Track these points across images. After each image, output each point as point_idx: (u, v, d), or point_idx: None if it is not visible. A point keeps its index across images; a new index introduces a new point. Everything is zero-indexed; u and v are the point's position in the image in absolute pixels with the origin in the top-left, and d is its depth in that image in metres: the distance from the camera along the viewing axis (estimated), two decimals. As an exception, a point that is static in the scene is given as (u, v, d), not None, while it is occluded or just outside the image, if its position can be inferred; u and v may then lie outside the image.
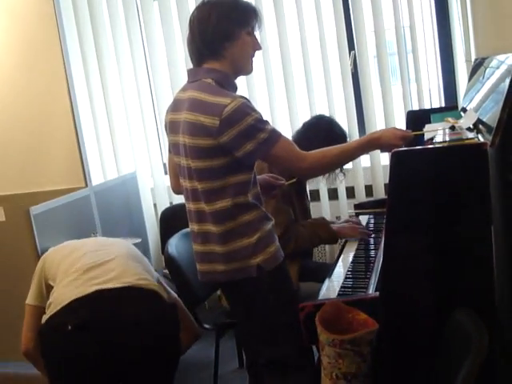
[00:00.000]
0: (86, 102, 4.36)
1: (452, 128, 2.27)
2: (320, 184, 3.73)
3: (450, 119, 2.41)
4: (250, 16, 2.23)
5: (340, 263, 2.66)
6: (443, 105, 3.91)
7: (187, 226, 2.39)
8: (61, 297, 2.47)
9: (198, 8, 2.24)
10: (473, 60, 3.15)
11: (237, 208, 2.20)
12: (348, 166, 3.15)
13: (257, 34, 2.30)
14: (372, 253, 2.78)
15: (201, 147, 2.15)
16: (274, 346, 2.29)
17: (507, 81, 1.82)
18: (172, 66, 4.24)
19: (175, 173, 2.44)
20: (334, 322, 1.99)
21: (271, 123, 2.14)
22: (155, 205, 4.48)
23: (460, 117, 2.54)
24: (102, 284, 2.47)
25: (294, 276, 2.95)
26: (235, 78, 2.30)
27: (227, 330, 3.20)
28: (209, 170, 2.17)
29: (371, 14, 3.83)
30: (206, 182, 2.19)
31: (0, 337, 3.55)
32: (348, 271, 2.53)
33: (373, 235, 2.99)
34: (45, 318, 2.49)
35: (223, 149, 2.13)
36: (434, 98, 3.99)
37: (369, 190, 4.02)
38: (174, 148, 2.34)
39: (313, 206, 3.49)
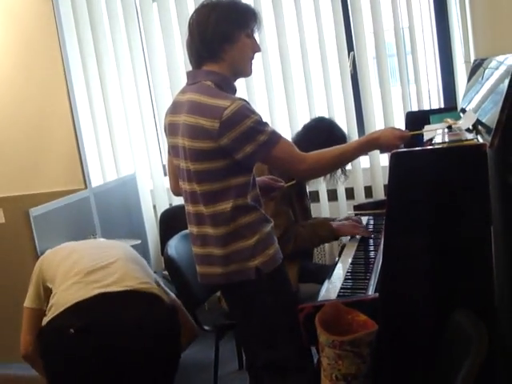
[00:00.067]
0: (86, 104, 4.36)
1: (449, 127, 2.27)
2: (319, 185, 3.73)
3: (449, 120, 2.41)
4: (249, 18, 2.23)
5: (339, 264, 2.66)
6: (442, 106, 3.91)
7: (187, 228, 2.39)
8: (62, 300, 2.47)
9: (198, 10, 2.24)
10: (472, 61, 3.16)
11: (236, 210, 2.20)
12: (347, 166, 3.14)
13: (256, 35, 2.30)
14: (371, 254, 2.78)
15: (200, 150, 2.15)
16: (272, 348, 2.29)
17: (506, 82, 1.82)
18: (171, 67, 4.24)
19: (175, 175, 2.44)
20: (334, 323, 1.99)
21: (271, 125, 2.14)
22: (155, 206, 4.48)
23: (459, 118, 2.54)
24: (104, 287, 2.48)
25: (294, 277, 2.95)
26: (235, 80, 2.30)
27: (227, 332, 3.20)
28: (208, 173, 2.17)
29: (370, 16, 3.83)
30: (205, 184, 2.19)
31: (0, 338, 3.55)
32: (347, 272, 2.53)
33: (372, 236, 2.99)
34: (46, 320, 2.49)
35: (223, 151, 2.13)
36: (433, 99, 4.00)
37: (368, 191, 4.02)
38: (173, 150, 2.34)
39: (312, 207, 3.49)
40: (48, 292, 2.64)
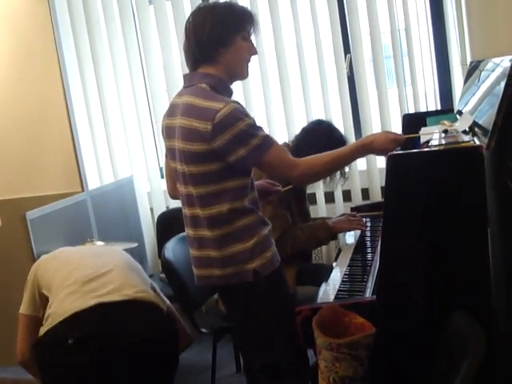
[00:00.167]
0: (82, 107, 4.35)
1: (445, 131, 2.27)
2: (317, 187, 3.73)
3: (445, 122, 2.41)
4: (245, 21, 2.23)
5: (337, 267, 2.66)
6: (439, 108, 3.91)
7: (184, 230, 2.39)
8: (60, 310, 2.46)
9: (194, 13, 2.25)
10: (468, 63, 3.16)
11: (233, 213, 2.20)
12: (346, 169, 3.13)
13: (253, 38, 2.30)
14: (369, 256, 2.77)
15: (195, 152, 2.15)
16: (269, 351, 2.29)
17: (502, 84, 1.82)
18: (168, 70, 4.24)
19: (172, 177, 2.44)
20: (331, 326, 1.99)
21: (267, 127, 2.14)
22: (152, 209, 4.47)
23: (456, 120, 2.55)
24: (102, 297, 2.47)
25: (291, 280, 2.96)
26: (231, 82, 2.30)
27: (224, 334, 3.20)
28: (203, 175, 2.17)
29: (367, 18, 3.83)
30: (201, 187, 2.19)
31: (-2, 342, 3.55)
32: (345, 274, 2.53)
33: (369, 238, 2.99)
34: (43, 330, 2.48)
35: (216, 154, 2.12)
36: (430, 101, 4.00)
37: (365, 193, 4.02)
38: (170, 153, 2.34)
39: (309, 209, 3.48)
40: (44, 298, 2.63)
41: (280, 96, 4.09)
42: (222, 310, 2.78)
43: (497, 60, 2.16)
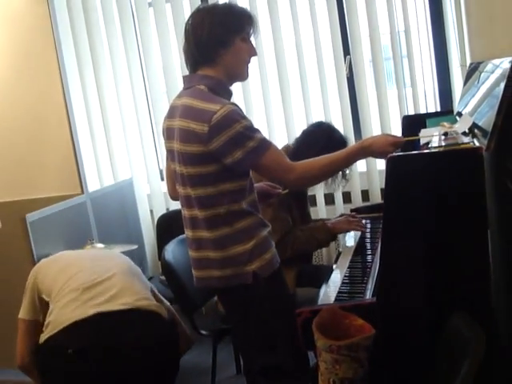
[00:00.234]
0: (82, 109, 4.35)
1: (445, 134, 2.27)
2: (317, 189, 3.72)
3: (445, 124, 2.41)
4: (244, 22, 2.22)
5: (337, 268, 2.66)
6: (439, 109, 3.91)
7: (184, 232, 2.39)
8: (60, 318, 2.46)
9: (193, 15, 2.25)
10: (468, 64, 3.16)
11: (231, 215, 2.20)
12: (347, 170, 3.12)
13: (252, 39, 2.30)
14: (369, 258, 2.77)
15: (192, 154, 2.15)
16: (269, 353, 2.29)
17: (502, 85, 1.82)
18: (168, 72, 4.24)
19: (172, 179, 2.44)
20: (331, 328, 1.99)
21: (267, 128, 2.14)
22: (152, 211, 4.47)
23: (455, 121, 2.55)
24: (102, 305, 2.46)
25: (291, 282, 2.95)
26: (230, 84, 2.30)
27: (224, 336, 3.20)
28: (200, 177, 2.17)
29: (366, 19, 3.83)
30: (199, 188, 2.19)
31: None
32: (345, 276, 2.53)
33: (369, 240, 2.99)
34: (43, 337, 2.48)
35: (213, 156, 2.12)
36: (430, 103, 3.99)
37: (365, 194, 4.02)
38: (170, 154, 2.34)
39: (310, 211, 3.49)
40: (43, 303, 2.63)
41: (279, 97, 4.09)
42: (222, 312, 2.78)
43: (496, 61, 2.16)
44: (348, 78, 3.99)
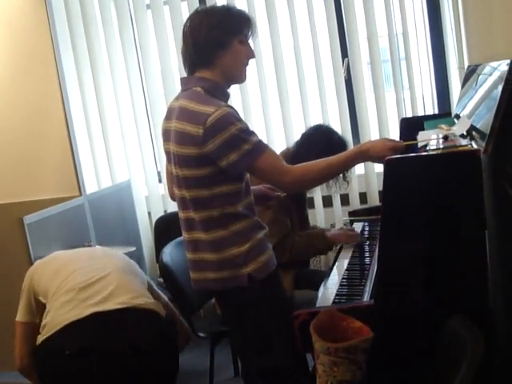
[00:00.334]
0: (80, 111, 4.35)
1: (445, 138, 2.26)
2: (316, 192, 3.72)
3: (443, 126, 2.41)
4: (242, 24, 2.22)
5: (335, 271, 2.66)
6: (436, 112, 3.91)
7: (181, 235, 2.39)
8: (56, 319, 2.45)
9: (191, 17, 2.25)
10: (466, 67, 3.16)
11: (226, 218, 2.19)
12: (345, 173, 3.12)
13: (250, 42, 2.29)
14: (367, 260, 2.77)
15: (187, 156, 2.15)
16: (266, 355, 2.28)
17: (500, 87, 1.82)
18: (166, 74, 4.24)
19: (171, 179, 2.44)
20: (329, 330, 1.99)
21: (265, 131, 2.13)
22: (149, 213, 4.47)
23: (453, 124, 2.55)
24: (98, 305, 2.45)
25: (289, 284, 2.96)
26: (228, 86, 2.30)
27: (222, 339, 3.19)
28: (195, 179, 2.17)
29: (364, 21, 3.84)
30: (194, 190, 2.19)
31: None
32: (343, 279, 2.52)
33: (367, 242, 2.99)
34: (40, 338, 2.47)
35: (208, 158, 2.12)
36: (428, 105, 4.00)
37: (363, 197, 4.02)
38: (167, 156, 2.34)
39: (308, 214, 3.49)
40: (40, 305, 2.62)
41: (278, 100, 4.09)
42: (220, 314, 2.78)
43: (494, 64, 2.16)
44: (346, 81, 3.99)
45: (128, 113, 4.38)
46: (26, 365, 2.66)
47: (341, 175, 3.03)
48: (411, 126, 2.92)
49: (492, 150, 1.81)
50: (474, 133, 2.12)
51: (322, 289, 2.44)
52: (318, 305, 2.26)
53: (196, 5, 4.01)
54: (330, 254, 3.79)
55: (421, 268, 1.97)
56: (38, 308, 2.65)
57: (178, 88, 2.39)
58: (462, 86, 2.98)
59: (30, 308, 2.68)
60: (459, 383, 1.51)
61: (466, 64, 3.26)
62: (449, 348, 1.77)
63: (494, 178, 2.02)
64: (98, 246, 3.43)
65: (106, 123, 4.40)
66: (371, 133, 3.98)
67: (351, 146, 3.32)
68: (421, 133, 2.55)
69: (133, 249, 3.68)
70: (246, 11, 2.30)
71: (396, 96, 3.89)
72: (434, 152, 2.09)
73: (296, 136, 3.31)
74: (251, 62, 2.31)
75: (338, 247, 3.01)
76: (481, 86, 2.34)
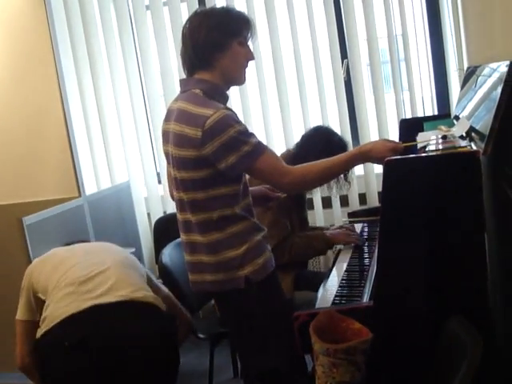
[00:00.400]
0: (79, 112, 4.35)
1: (444, 138, 2.26)
2: (314, 192, 3.73)
3: (442, 127, 2.41)
4: (241, 26, 2.22)
5: (334, 272, 2.65)
6: (436, 113, 3.92)
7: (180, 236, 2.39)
8: (56, 312, 2.45)
9: (190, 18, 2.24)
10: (465, 68, 3.16)
11: (223, 220, 2.19)
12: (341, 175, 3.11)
13: (250, 43, 2.29)
14: (366, 261, 2.77)
15: (185, 158, 2.15)
16: (264, 357, 2.28)
17: (499, 89, 1.82)
18: (165, 75, 4.24)
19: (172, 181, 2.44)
20: (329, 331, 1.99)
21: (264, 132, 2.13)
22: (149, 214, 4.47)
23: (453, 125, 2.55)
24: (98, 298, 2.45)
25: (289, 286, 2.96)
26: (227, 88, 2.29)
27: (222, 340, 3.19)
28: (193, 181, 2.17)
29: (364, 23, 3.84)
30: (191, 192, 2.19)
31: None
32: (342, 280, 2.52)
33: (366, 243, 2.99)
34: (40, 332, 2.47)
35: (206, 160, 2.12)
36: (427, 106, 4.01)
37: (362, 198, 4.03)
38: (166, 158, 2.34)
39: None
40: (40, 302, 2.62)
41: (277, 101, 4.10)
42: (219, 315, 2.78)
43: (494, 65, 2.16)
44: (345, 82, 4.00)
45: (127, 114, 4.39)
46: (28, 363, 2.65)
47: (342, 176, 3.03)
48: (411, 127, 2.92)
49: (491, 151, 1.81)
50: (473, 134, 2.12)
51: (321, 290, 2.44)
52: (317, 306, 2.26)
53: (195, 6, 4.02)
54: (330, 255, 3.80)
55: (420, 269, 1.97)
56: (38, 306, 2.64)
57: (177, 89, 2.39)
58: (462, 87, 2.98)
59: (29, 306, 2.67)
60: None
61: (466, 65, 3.26)
62: (448, 349, 1.77)
63: (494, 179, 2.02)
64: (93, 243, 3.42)
65: (106, 124, 4.40)
66: (371, 134, 3.99)
67: (351, 147, 3.32)
68: (420, 134, 2.55)
69: (132, 250, 3.67)
70: (246, 13, 2.30)
71: (395, 97, 3.89)
72: (434, 153, 2.09)
73: (296, 138, 3.31)
74: (251, 63, 2.31)
75: (337, 250, 3.01)
76: (480, 87, 2.34)
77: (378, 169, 3.89)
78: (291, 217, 3.13)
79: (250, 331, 2.28)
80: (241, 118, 2.21)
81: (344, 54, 3.99)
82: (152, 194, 4.42)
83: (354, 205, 3.99)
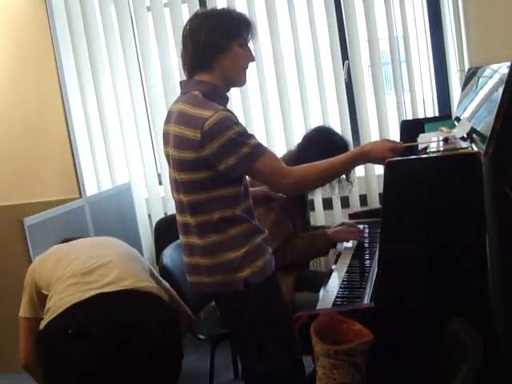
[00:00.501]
0: (80, 113, 4.35)
1: (445, 140, 2.26)
2: (315, 193, 3.73)
3: (443, 129, 2.41)
4: (242, 27, 2.22)
5: (335, 273, 2.65)
6: (437, 114, 3.92)
7: (181, 237, 2.39)
8: (59, 302, 2.44)
9: (191, 20, 2.24)
10: (466, 69, 3.16)
11: (223, 221, 2.19)
12: (343, 175, 3.11)
13: (250, 45, 2.29)
14: (367, 262, 2.77)
15: (185, 160, 2.14)
16: (263, 359, 2.28)
17: (500, 90, 1.82)
18: (166, 77, 4.24)
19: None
20: (329, 333, 1.99)
21: (265, 134, 2.13)
22: (150, 215, 4.46)
23: (454, 126, 2.55)
24: (101, 288, 2.45)
25: (290, 287, 2.96)
26: (227, 90, 2.29)
27: (222, 341, 3.19)
28: (193, 183, 2.17)
29: (365, 24, 3.84)
30: (191, 194, 2.19)
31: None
32: (343, 281, 2.52)
33: (367, 240, 2.99)
34: (43, 323, 2.47)
35: (206, 162, 2.11)
36: (428, 108, 4.00)
37: (363, 199, 4.02)
38: (167, 159, 2.34)
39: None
40: (43, 298, 2.62)
41: (278, 103, 4.09)
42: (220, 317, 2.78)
43: (495, 66, 2.16)
44: (346, 83, 3.99)
45: (128, 115, 4.39)
46: (31, 361, 2.65)
47: (344, 176, 3.03)
48: (412, 129, 2.92)
49: (492, 152, 1.81)
50: (474, 135, 2.12)
51: (322, 291, 2.44)
52: (318, 307, 2.26)
53: (196, 7, 4.02)
54: (331, 256, 3.80)
55: (421, 270, 1.97)
56: (41, 302, 2.64)
57: (178, 90, 2.39)
58: (463, 88, 2.98)
59: (32, 303, 2.67)
60: (460, 385, 1.51)
61: (467, 66, 3.26)
62: (449, 350, 1.77)
63: (495, 180, 2.03)
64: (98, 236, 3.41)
65: (107, 125, 4.40)
66: (371, 135, 3.98)
67: (352, 148, 3.32)
68: (421, 135, 2.55)
69: (133, 251, 3.67)
70: (247, 14, 2.30)
71: (396, 98, 3.89)
72: (435, 154, 2.09)
73: (297, 139, 3.31)
74: (251, 65, 2.31)
75: (338, 252, 3.01)
76: (481, 88, 2.34)
77: (379, 170, 3.89)
78: (293, 218, 3.12)
79: (249, 333, 2.28)
80: (241, 119, 2.22)
81: (345, 56, 3.99)
82: (153, 195, 4.42)
83: (355, 206, 3.99)
